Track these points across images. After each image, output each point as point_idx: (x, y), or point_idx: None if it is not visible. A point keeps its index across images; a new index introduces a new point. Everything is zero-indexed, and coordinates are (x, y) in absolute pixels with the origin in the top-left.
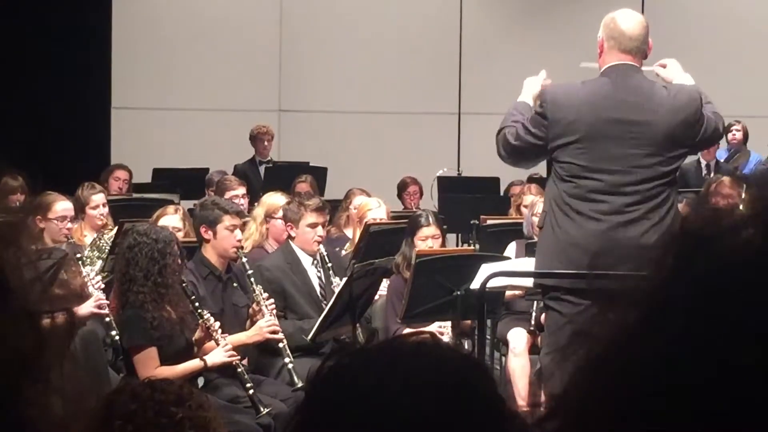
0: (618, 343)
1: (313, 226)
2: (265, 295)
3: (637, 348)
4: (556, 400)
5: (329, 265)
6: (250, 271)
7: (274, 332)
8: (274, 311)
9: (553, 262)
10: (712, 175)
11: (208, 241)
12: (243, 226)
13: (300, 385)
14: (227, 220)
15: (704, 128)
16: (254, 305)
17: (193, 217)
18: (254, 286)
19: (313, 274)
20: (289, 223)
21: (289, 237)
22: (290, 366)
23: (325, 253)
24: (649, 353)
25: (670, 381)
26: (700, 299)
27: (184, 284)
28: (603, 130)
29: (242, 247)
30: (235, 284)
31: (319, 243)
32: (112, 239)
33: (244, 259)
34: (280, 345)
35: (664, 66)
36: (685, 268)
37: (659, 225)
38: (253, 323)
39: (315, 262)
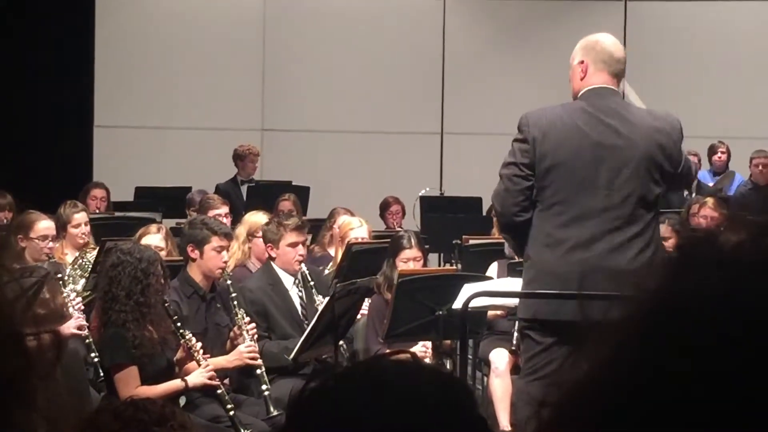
0: (603, 370)
1: (294, 245)
2: (247, 319)
3: (622, 377)
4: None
5: (311, 283)
6: (233, 294)
7: (254, 358)
8: (255, 336)
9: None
10: (694, 195)
11: (194, 260)
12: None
13: (275, 413)
14: (215, 241)
15: (683, 165)
16: (235, 328)
17: (181, 235)
18: (237, 309)
19: (295, 294)
20: (269, 244)
21: (270, 258)
22: (266, 394)
23: (306, 272)
24: (634, 382)
25: (656, 408)
26: (690, 326)
27: (166, 304)
28: (582, 155)
29: (227, 270)
30: (218, 305)
31: (300, 262)
32: (94, 258)
33: (229, 282)
34: (258, 372)
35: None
36: (675, 293)
37: (643, 253)
38: (233, 345)
39: (297, 281)
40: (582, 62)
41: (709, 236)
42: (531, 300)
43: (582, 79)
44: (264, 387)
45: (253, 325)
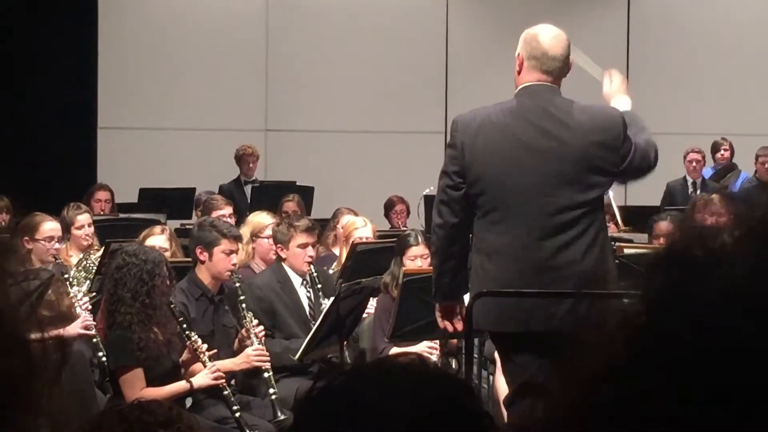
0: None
1: (304, 246)
2: (255, 321)
3: (622, 384)
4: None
5: (319, 286)
6: (242, 297)
7: (261, 361)
8: (263, 339)
9: (481, 307)
10: (698, 193)
11: (203, 262)
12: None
13: (282, 417)
14: (224, 244)
15: (631, 156)
16: (243, 331)
17: (189, 237)
18: (245, 311)
19: (303, 294)
20: (279, 245)
21: (279, 258)
22: (273, 398)
23: (315, 274)
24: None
25: (657, 414)
26: (689, 330)
27: (172, 305)
28: (511, 159)
29: (235, 273)
30: (226, 307)
31: (309, 263)
32: (98, 259)
33: (238, 284)
34: (265, 375)
35: (610, 77)
36: (671, 297)
37: (588, 254)
38: (240, 347)
39: (305, 282)
40: (518, 55)
41: (701, 234)
42: (478, 310)
43: (519, 74)
44: (271, 391)
45: (261, 327)
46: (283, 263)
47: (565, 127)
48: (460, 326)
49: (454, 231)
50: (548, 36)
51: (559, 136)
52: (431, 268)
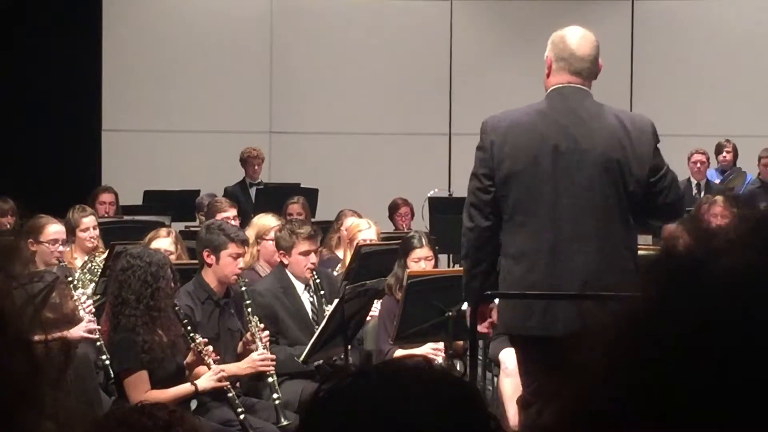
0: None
1: (306, 254)
2: (261, 326)
3: (622, 381)
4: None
5: (322, 292)
6: (248, 301)
7: (266, 366)
8: (268, 344)
9: (506, 309)
10: (702, 194)
11: (210, 265)
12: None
13: (285, 423)
14: (232, 248)
15: (664, 172)
16: (248, 335)
17: (197, 240)
18: (251, 316)
19: (306, 300)
20: (281, 251)
21: (282, 264)
22: (277, 403)
23: (318, 281)
24: (633, 387)
25: (657, 413)
26: (688, 331)
27: (176, 308)
28: (539, 161)
29: (242, 277)
30: (232, 310)
31: (311, 270)
32: (103, 262)
33: (244, 288)
34: (270, 380)
35: None
36: (671, 296)
37: (608, 268)
38: (245, 351)
39: (308, 287)
40: (547, 58)
41: (703, 234)
42: (505, 313)
43: (548, 76)
44: (275, 396)
45: (267, 332)
46: (285, 268)
47: (594, 130)
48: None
49: (486, 234)
50: (576, 36)
51: (588, 139)
52: (436, 269)
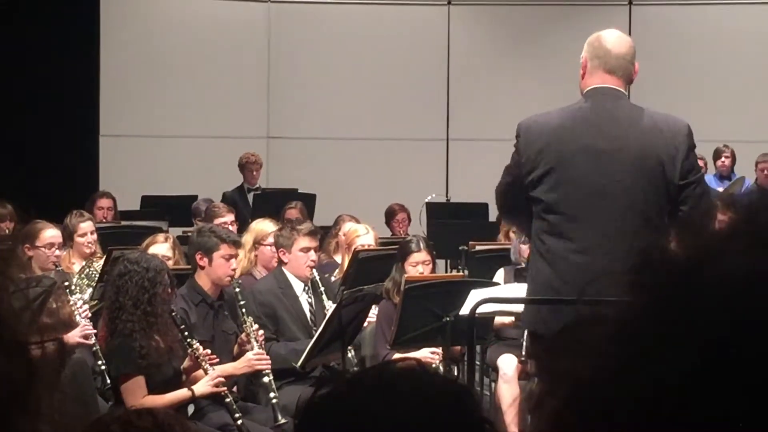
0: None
1: (306, 250)
2: (255, 326)
3: (618, 386)
4: None
5: (321, 289)
6: (242, 302)
7: (262, 365)
8: (263, 343)
9: (531, 308)
10: None
11: (203, 268)
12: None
13: (283, 421)
14: (224, 249)
15: (695, 183)
16: (243, 335)
17: (189, 243)
18: (245, 317)
19: (304, 300)
20: (281, 249)
21: (281, 263)
22: (274, 402)
23: (317, 278)
24: (630, 390)
25: (655, 417)
26: (682, 330)
27: (173, 313)
28: (574, 161)
29: (235, 278)
30: (226, 312)
31: (311, 268)
32: (100, 267)
33: (237, 289)
34: (266, 380)
35: None
36: (663, 300)
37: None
38: (241, 352)
39: (306, 288)
40: (583, 58)
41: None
42: (530, 312)
43: (583, 77)
44: (272, 395)
45: (262, 332)
46: (284, 269)
47: (628, 131)
48: None
49: (515, 213)
50: (612, 36)
51: (622, 141)
52: (433, 275)
